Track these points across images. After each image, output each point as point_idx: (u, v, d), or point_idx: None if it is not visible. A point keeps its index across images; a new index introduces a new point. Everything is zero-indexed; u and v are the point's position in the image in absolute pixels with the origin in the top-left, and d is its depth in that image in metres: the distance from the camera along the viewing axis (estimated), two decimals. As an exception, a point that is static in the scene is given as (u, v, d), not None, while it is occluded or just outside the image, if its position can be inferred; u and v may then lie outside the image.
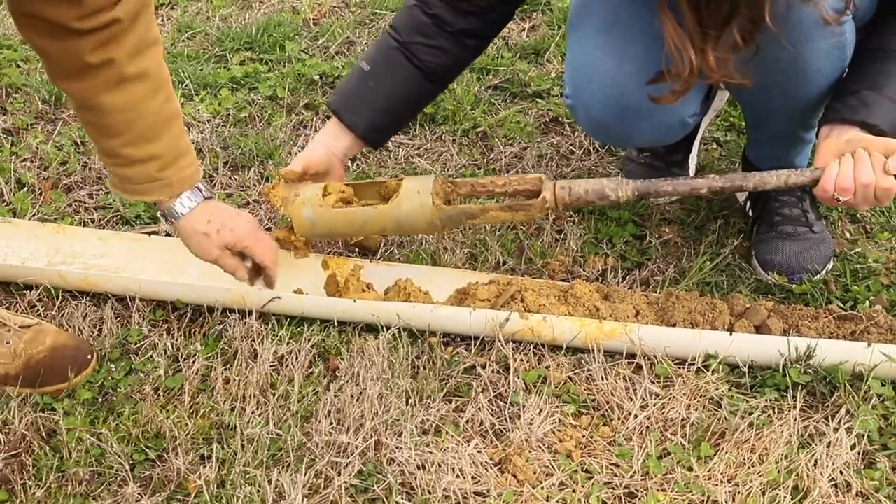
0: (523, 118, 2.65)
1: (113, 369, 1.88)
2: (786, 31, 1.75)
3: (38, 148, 2.51)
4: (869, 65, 1.86)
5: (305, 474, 1.67)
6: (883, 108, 1.82)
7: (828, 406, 1.80)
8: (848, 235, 2.24)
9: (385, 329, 1.92)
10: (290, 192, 1.95)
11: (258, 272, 1.92)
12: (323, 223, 1.93)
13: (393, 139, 2.54)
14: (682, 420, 1.78)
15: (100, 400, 1.82)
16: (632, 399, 1.82)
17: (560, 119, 2.64)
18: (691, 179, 1.86)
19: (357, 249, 2.19)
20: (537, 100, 2.73)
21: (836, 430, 1.73)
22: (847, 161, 1.77)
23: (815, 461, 1.69)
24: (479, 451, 1.72)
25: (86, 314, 1.99)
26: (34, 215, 2.28)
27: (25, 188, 2.37)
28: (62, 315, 1.99)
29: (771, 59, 1.80)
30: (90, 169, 2.44)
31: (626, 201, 1.87)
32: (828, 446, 1.70)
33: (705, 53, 1.72)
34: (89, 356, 1.86)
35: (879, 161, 1.75)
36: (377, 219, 1.91)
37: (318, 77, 2.80)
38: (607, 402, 1.82)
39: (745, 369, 1.85)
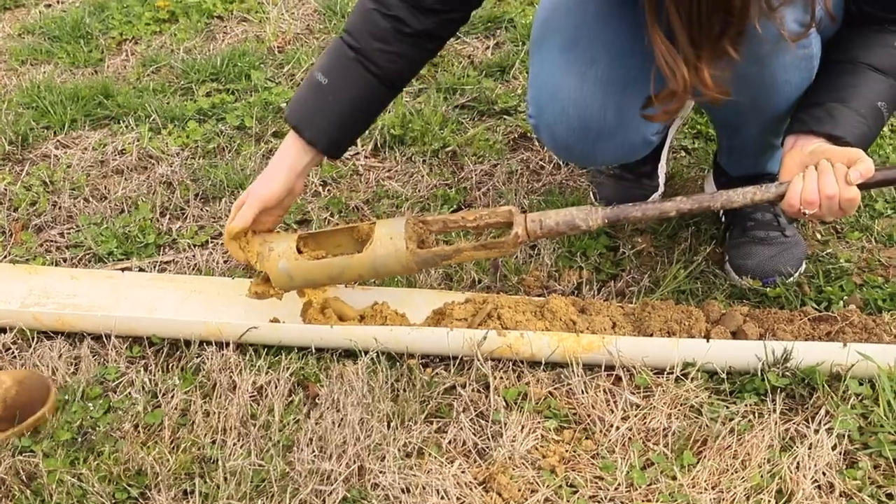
0: (492, 135, 2.66)
1: (91, 408, 1.86)
2: (754, 45, 1.76)
3: (6, 189, 2.50)
4: (835, 77, 1.87)
5: (290, 504, 1.66)
6: (849, 120, 1.82)
7: (807, 408, 1.81)
8: (819, 237, 2.25)
9: (363, 353, 1.92)
10: (263, 246, 1.95)
11: None
12: (300, 275, 1.94)
13: (363, 162, 2.56)
14: (664, 429, 1.78)
15: (79, 440, 1.81)
16: (613, 411, 1.82)
17: (528, 135, 2.65)
18: (660, 204, 1.86)
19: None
20: (505, 117, 2.74)
21: (816, 431, 1.74)
22: (811, 174, 1.78)
23: (798, 463, 1.69)
24: (462, 472, 1.72)
25: (61, 353, 1.98)
26: (5, 257, 2.27)
27: (-5, 230, 2.36)
28: (37, 356, 1.97)
29: (741, 73, 1.80)
30: (60, 208, 2.43)
31: (598, 229, 1.88)
32: (809, 448, 1.71)
33: (700, 70, 1.71)
34: (48, 386, 1.85)
35: (842, 172, 1.76)
36: (353, 267, 1.92)
37: (285, 104, 2.80)
38: (589, 416, 1.82)
39: (724, 375, 1.86)
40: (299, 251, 1.95)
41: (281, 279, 1.94)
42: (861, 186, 1.76)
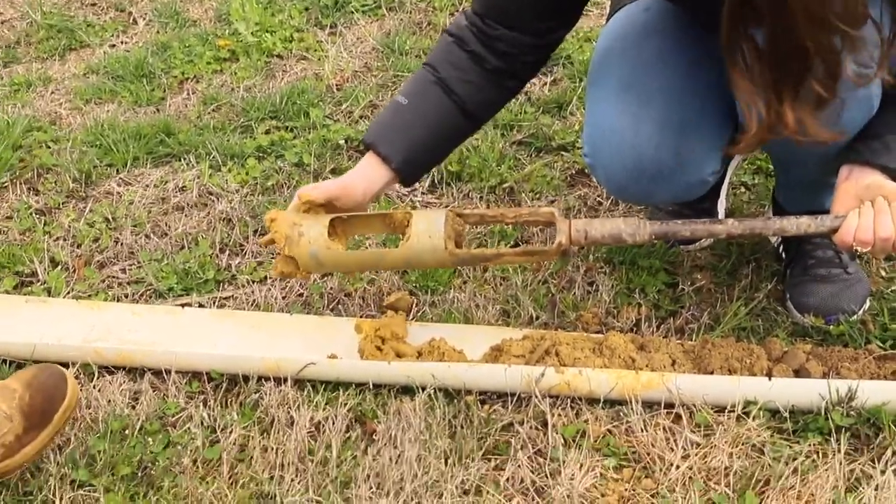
0: (549, 172, 2.65)
1: (151, 442, 1.88)
2: None
3: (70, 226, 2.54)
4: (893, 111, 1.84)
5: (347, 541, 1.66)
6: None
7: (873, 448, 1.77)
8: (884, 274, 2.22)
9: (421, 390, 1.91)
10: (293, 230, 1.92)
11: None
12: (331, 263, 1.93)
13: (420, 199, 2.56)
14: (726, 469, 1.75)
15: (139, 474, 1.82)
16: (673, 449, 1.80)
17: (586, 171, 2.64)
18: (710, 224, 1.84)
19: (389, 310, 2.19)
20: (562, 153, 2.73)
21: (882, 472, 1.70)
22: (867, 212, 1.75)
23: (864, 505, 1.66)
24: (520, 510, 1.71)
25: (121, 385, 2.00)
26: (69, 293, 2.30)
27: (59, 266, 2.39)
28: (97, 389, 2.00)
29: None
30: (122, 244, 2.46)
31: (644, 244, 1.85)
32: (875, 489, 1.68)
33: (781, 110, 1.67)
34: (62, 374, 1.83)
35: None
36: (387, 260, 1.92)
37: (343, 142, 2.82)
38: (648, 454, 1.80)
39: (787, 414, 1.83)
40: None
41: (310, 265, 1.93)
42: None
